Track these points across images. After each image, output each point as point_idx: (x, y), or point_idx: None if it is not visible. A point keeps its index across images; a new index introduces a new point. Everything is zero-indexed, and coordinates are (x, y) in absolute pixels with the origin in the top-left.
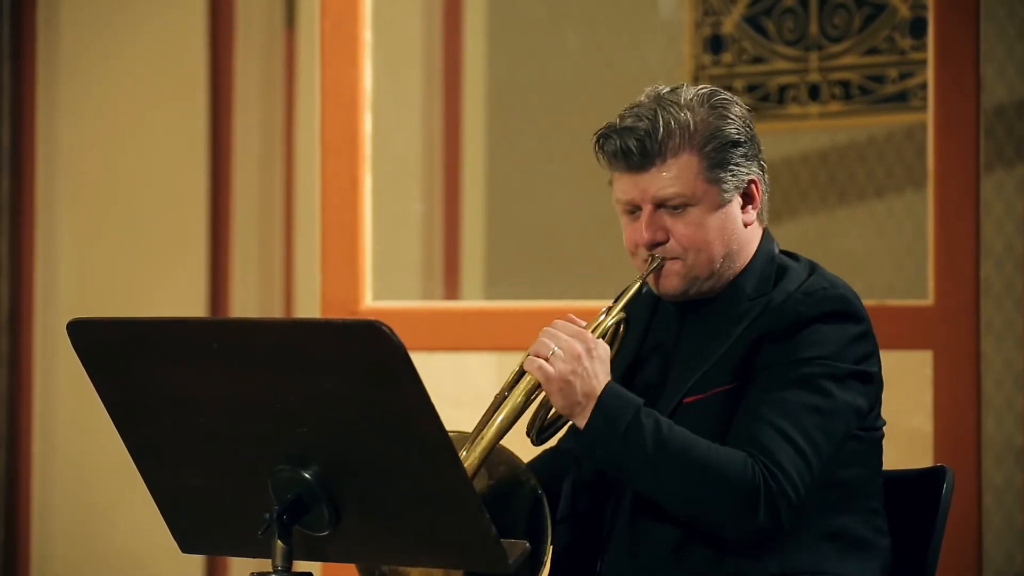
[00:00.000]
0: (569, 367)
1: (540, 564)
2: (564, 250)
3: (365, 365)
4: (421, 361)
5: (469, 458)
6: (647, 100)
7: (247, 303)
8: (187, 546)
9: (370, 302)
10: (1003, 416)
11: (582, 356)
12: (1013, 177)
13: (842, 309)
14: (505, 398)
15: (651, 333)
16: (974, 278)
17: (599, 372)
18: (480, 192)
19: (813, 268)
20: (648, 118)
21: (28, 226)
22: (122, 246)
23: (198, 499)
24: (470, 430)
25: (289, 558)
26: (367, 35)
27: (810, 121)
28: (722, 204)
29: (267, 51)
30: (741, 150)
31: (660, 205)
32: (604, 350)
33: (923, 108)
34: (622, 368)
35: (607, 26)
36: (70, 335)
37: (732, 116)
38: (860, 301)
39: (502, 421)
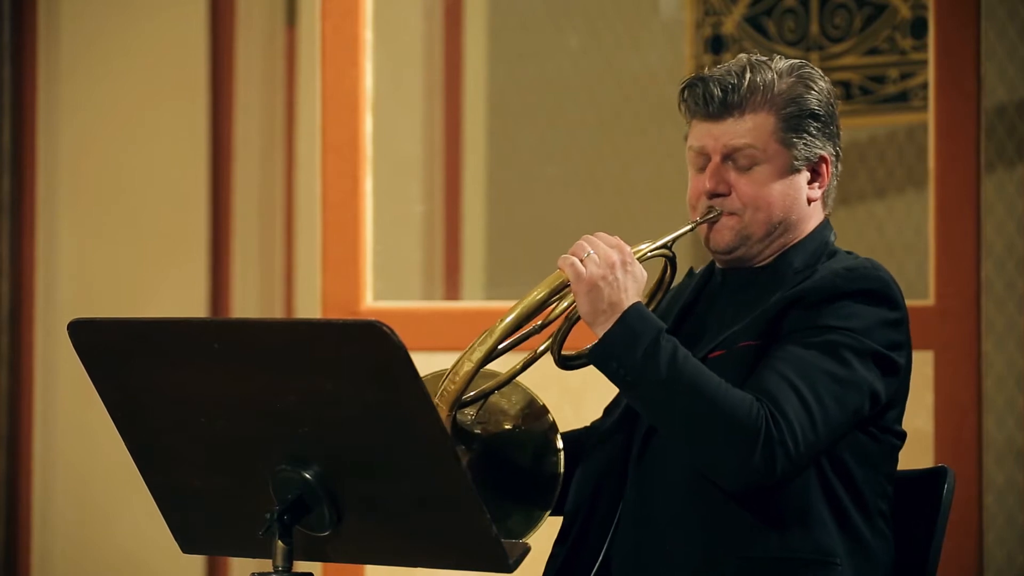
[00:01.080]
0: (601, 272)
1: (552, 498)
2: (564, 250)
3: (366, 365)
4: (422, 361)
5: (486, 343)
6: (740, 60)
7: (247, 303)
8: (187, 546)
9: (371, 302)
10: (1004, 416)
11: (616, 265)
12: (1014, 177)
13: (880, 290)
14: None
15: (694, 310)
16: (975, 278)
17: (629, 286)
18: (481, 192)
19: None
20: (736, 73)
21: (29, 226)
22: (123, 246)
23: (198, 499)
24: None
25: (290, 558)
26: (368, 35)
27: None
28: (789, 171)
29: (268, 51)
30: (818, 124)
31: (728, 157)
32: (640, 271)
33: (924, 108)
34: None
35: (607, 26)
36: (71, 335)
37: (816, 89)
38: (902, 294)
39: (520, 311)
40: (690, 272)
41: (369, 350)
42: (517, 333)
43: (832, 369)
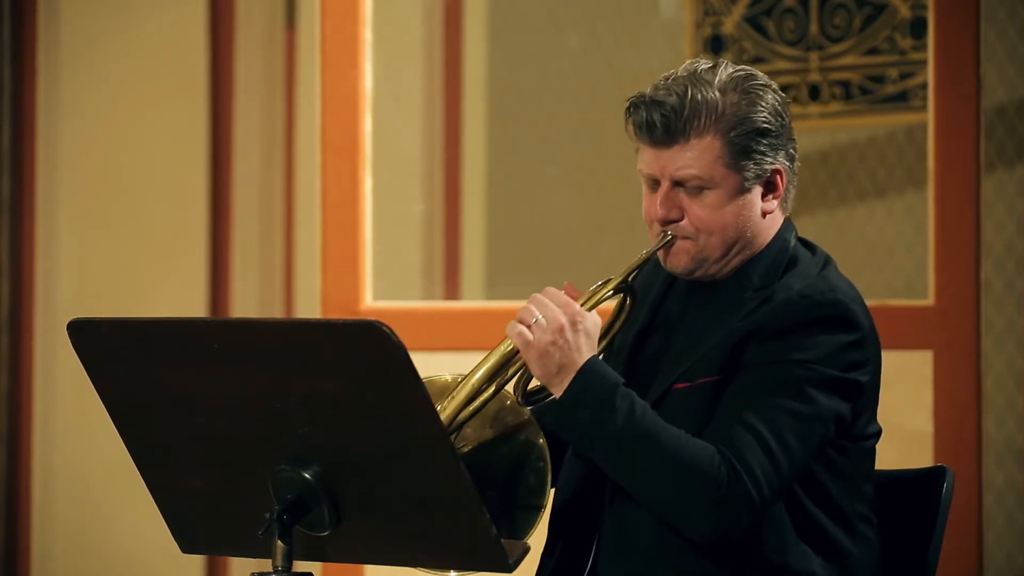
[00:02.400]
0: (549, 337)
1: (539, 511)
2: (564, 250)
3: (365, 365)
4: (421, 361)
5: (443, 413)
6: (683, 74)
7: (247, 303)
8: (187, 546)
9: (370, 302)
10: (1004, 416)
11: (565, 328)
12: (1014, 177)
13: (836, 315)
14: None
15: (664, 306)
16: (975, 278)
17: (582, 345)
18: (480, 192)
19: (825, 264)
20: (678, 93)
21: (28, 226)
22: (122, 246)
23: (198, 499)
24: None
25: (289, 558)
26: (367, 35)
27: (810, 121)
28: (741, 191)
29: (268, 51)
30: (767, 139)
31: (678, 183)
32: (592, 323)
33: (923, 108)
34: (632, 335)
35: (607, 26)
36: (70, 335)
37: (763, 103)
38: (861, 307)
39: (477, 380)
40: (656, 260)
41: (369, 350)
42: (473, 404)
43: (793, 407)
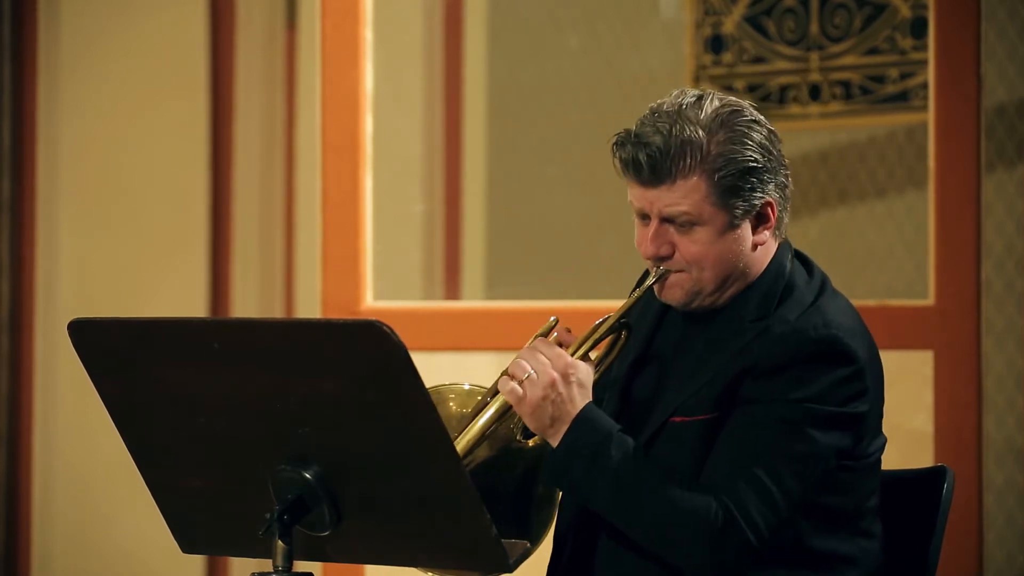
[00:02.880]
0: (541, 393)
1: (545, 525)
2: (564, 250)
3: (366, 365)
4: (422, 361)
5: None
6: (669, 109)
7: (247, 303)
8: (187, 546)
9: (371, 302)
10: (1004, 416)
11: (557, 382)
12: (1014, 177)
13: (832, 351)
14: (484, 407)
15: (658, 335)
16: (975, 278)
17: (575, 396)
18: (481, 192)
19: (821, 290)
20: (663, 133)
21: (29, 226)
22: (123, 246)
23: (198, 499)
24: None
25: (290, 558)
26: (368, 35)
27: (810, 121)
28: (731, 227)
29: (268, 51)
30: (755, 176)
31: (667, 220)
32: (584, 372)
33: (924, 108)
34: (626, 367)
35: (607, 26)
36: (71, 335)
37: (750, 141)
38: (857, 336)
39: (472, 436)
40: (645, 274)
41: (369, 350)
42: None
43: (792, 449)
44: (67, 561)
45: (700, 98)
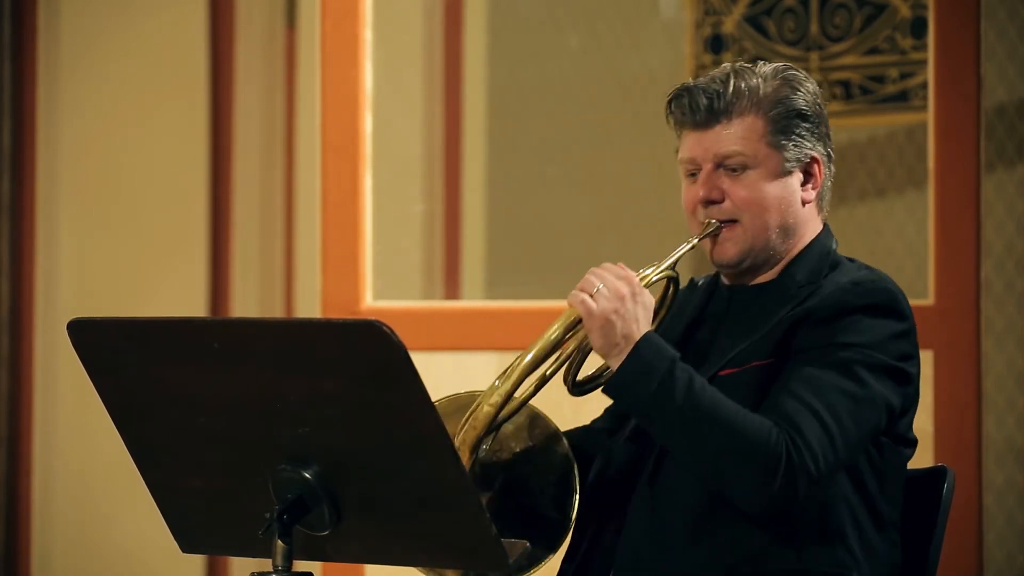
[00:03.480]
0: (612, 306)
1: (564, 531)
2: (564, 250)
3: (366, 365)
4: (421, 361)
5: (502, 387)
6: (724, 68)
7: (247, 303)
8: (187, 546)
9: (370, 302)
10: (1004, 416)
11: (626, 297)
12: (1014, 177)
13: (887, 303)
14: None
15: (703, 318)
16: (975, 278)
17: (640, 317)
18: (480, 192)
19: (868, 268)
20: (721, 80)
21: (29, 226)
22: (123, 246)
23: (198, 499)
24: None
25: (289, 558)
26: (368, 35)
27: None
28: (782, 173)
29: (268, 51)
30: (807, 124)
31: (720, 164)
32: (649, 299)
33: (924, 108)
34: (670, 341)
35: (607, 26)
36: (70, 335)
37: (803, 90)
38: (908, 303)
39: (536, 351)
40: (691, 283)
41: (369, 350)
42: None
43: (848, 388)
44: (67, 561)
45: (755, 60)
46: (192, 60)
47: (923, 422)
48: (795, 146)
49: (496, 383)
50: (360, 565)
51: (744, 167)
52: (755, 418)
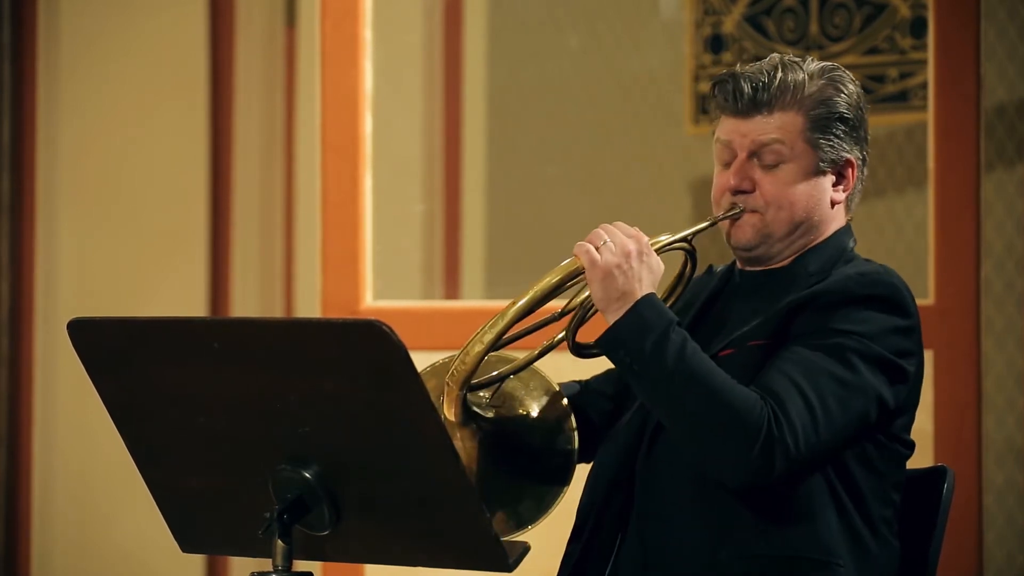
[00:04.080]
0: (616, 260)
1: (566, 480)
2: (564, 250)
3: (366, 365)
4: (422, 361)
5: (497, 325)
6: (773, 59)
7: (247, 303)
8: (187, 546)
9: (370, 302)
10: (1004, 416)
11: (632, 255)
12: (1014, 177)
13: (891, 297)
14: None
15: (714, 305)
16: (975, 278)
17: (644, 276)
18: (480, 192)
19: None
20: (768, 71)
21: (29, 225)
22: (123, 246)
23: (198, 499)
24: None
25: (289, 558)
26: (368, 35)
27: None
28: (815, 172)
29: (268, 51)
30: (845, 127)
31: (754, 154)
32: (657, 262)
33: (924, 108)
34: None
35: (607, 26)
36: (70, 335)
37: (846, 92)
38: (914, 302)
39: (533, 294)
40: (709, 270)
41: (369, 350)
42: (529, 319)
43: (838, 372)
44: (67, 561)
45: (802, 56)
46: (192, 60)
47: (923, 422)
48: (831, 147)
49: (489, 324)
50: (360, 565)
51: (779, 160)
52: (742, 389)
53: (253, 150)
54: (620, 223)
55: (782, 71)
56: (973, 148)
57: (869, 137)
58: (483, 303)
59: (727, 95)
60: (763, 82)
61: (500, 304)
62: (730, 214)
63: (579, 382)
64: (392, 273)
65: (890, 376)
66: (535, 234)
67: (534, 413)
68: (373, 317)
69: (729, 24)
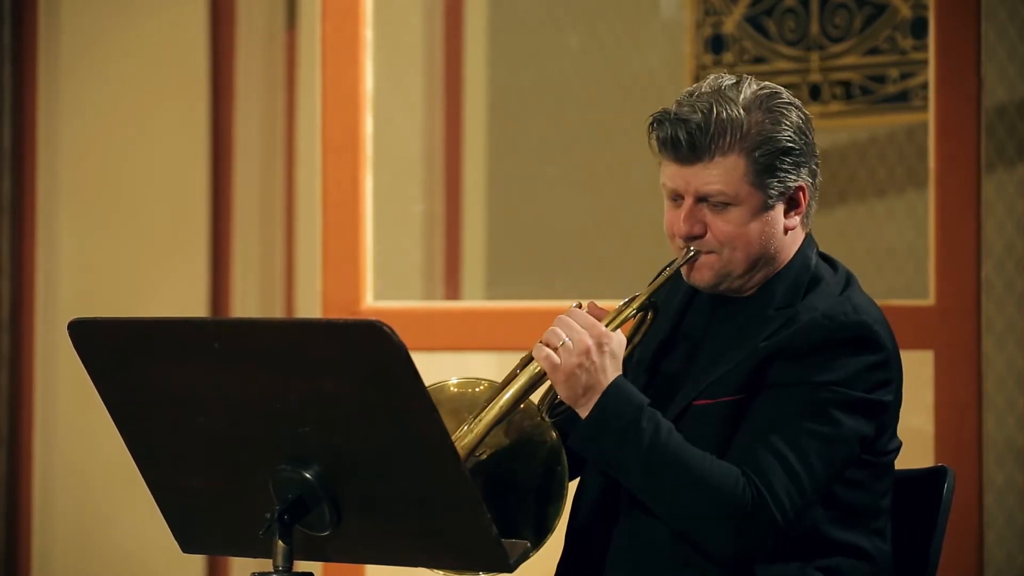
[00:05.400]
0: (576, 360)
1: (554, 518)
2: (564, 250)
3: (366, 365)
4: (422, 361)
5: (468, 436)
6: (707, 90)
7: (248, 303)
8: (187, 546)
9: (371, 302)
10: (1004, 416)
11: (591, 350)
12: (1014, 177)
13: (861, 336)
14: (514, 378)
15: (685, 320)
16: (975, 278)
17: (607, 367)
18: (481, 192)
19: (848, 283)
20: (703, 111)
21: (29, 226)
22: (123, 246)
23: (199, 499)
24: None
25: (290, 558)
26: (368, 35)
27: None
28: (765, 209)
29: (268, 52)
30: (791, 158)
31: (702, 199)
32: (618, 343)
33: (924, 108)
34: (652, 348)
35: (608, 26)
36: (71, 335)
37: (787, 123)
38: (884, 327)
39: (504, 403)
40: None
41: (369, 350)
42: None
43: (819, 431)
44: (67, 561)
45: (738, 81)
46: (192, 60)
47: (923, 422)
48: (779, 182)
49: (461, 433)
50: (360, 565)
51: (726, 204)
52: (722, 467)
53: (254, 150)
54: (576, 312)
55: (716, 108)
56: (974, 148)
57: (817, 150)
58: (483, 303)
59: (664, 142)
60: (699, 126)
61: (501, 304)
62: (686, 260)
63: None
64: (392, 273)
65: (868, 414)
66: (536, 234)
67: (518, 442)
68: (373, 317)
69: (729, 24)
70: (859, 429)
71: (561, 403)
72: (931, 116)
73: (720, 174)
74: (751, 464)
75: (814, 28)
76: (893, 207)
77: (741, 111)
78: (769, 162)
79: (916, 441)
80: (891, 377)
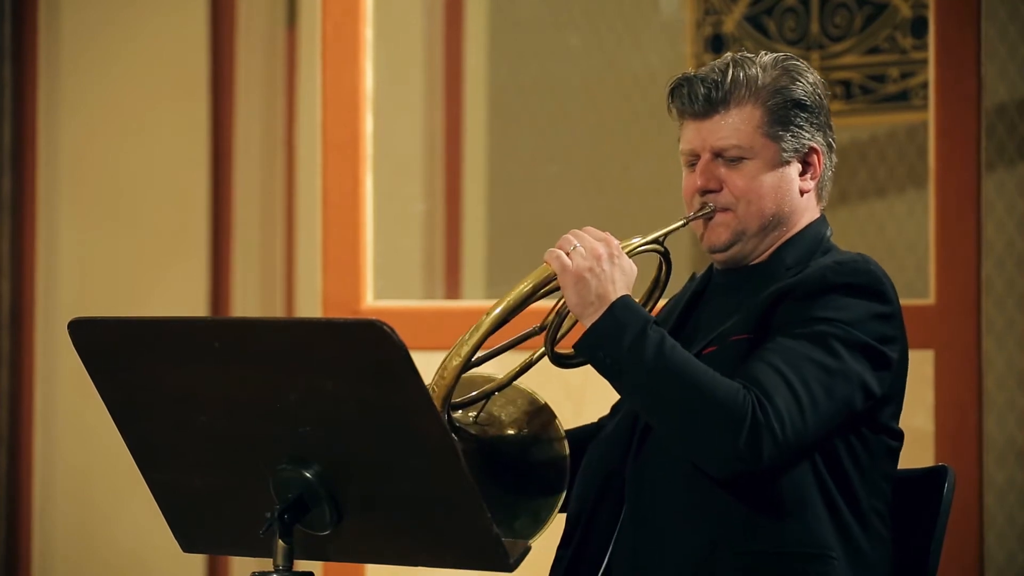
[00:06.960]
0: (587, 264)
1: (560, 490)
2: None
3: (366, 364)
4: (422, 360)
5: (471, 339)
6: (725, 58)
7: (248, 302)
8: (188, 546)
9: (371, 301)
10: (1005, 415)
11: (603, 257)
12: (1014, 176)
13: (870, 284)
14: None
15: (694, 308)
16: (975, 277)
17: (617, 278)
18: (481, 191)
19: (862, 255)
20: (720, 70)
21: (29, 225)
22: (123, 245)
23: (199, 499)
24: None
25: (290, 557)
26: (368, 35)
27: None
28: (779, 163)
29: (268, 51)
30: (805, 114)
31: (718, 155)
32: (629, 264)
33: (924, 107)
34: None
35: (608, 26)
36: (71, 334)
37: (802, 80)
38: (894, 291)
39: (507, 304)
40: (692, 278)
41: (370, 349)
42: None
43: (821, 359)
44: (67, 561)
45: (756, 52)
46: (192, 60)
47: (923, 422)
48: (793, 136)
49: (465, 336)
50: (360, 565)
51: (741, 157)
52: (724, 380)
53: (254, 150)
54: (589, 227)
55: (734, 68)
56: (974, 148)
57: (833, 125)
58: (484, 303)
59: (683, 99)
60: (716, 80)
61: None
62: (702, 213)
63: (593, 425)
64: (393, 273)
65: (873, 362)
66: (536, 234)
67: (521, 427)
68: (374, 317)
69: (730, 24)
70: (861, 372)
71: (570, 355)
72: (931, 115)
73: (735, 125)
74: (752, 380)
75: (814, 27)
76: (893, 206)
77: (758, 69)
78: (783, 114)
79: (916, 441)
80: (897, 336)
